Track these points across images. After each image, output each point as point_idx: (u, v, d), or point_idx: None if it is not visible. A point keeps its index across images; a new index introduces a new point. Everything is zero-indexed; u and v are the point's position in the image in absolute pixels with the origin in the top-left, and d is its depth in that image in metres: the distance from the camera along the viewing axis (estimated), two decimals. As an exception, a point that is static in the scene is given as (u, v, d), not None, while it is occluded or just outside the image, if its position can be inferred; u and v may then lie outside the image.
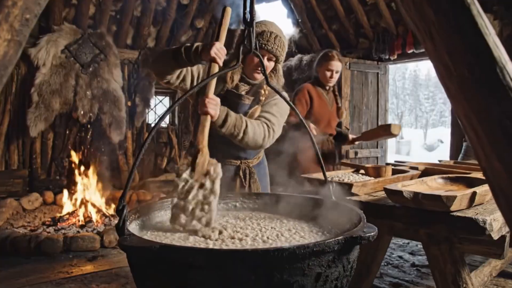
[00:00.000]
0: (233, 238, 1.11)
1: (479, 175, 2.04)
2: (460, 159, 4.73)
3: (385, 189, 1.60)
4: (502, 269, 2.78)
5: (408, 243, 3.86)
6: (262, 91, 1.94)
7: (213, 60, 1.47)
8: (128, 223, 1.19)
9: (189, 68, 1.80)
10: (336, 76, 3.06)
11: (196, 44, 1.60)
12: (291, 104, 1.44)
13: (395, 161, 2.77)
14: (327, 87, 3.13)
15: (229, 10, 1.53)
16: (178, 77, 1.78)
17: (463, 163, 2.88)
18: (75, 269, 3.10)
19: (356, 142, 3.30)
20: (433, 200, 1.45)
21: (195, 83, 1.87)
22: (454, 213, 1.47)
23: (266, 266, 0.90)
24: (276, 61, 1.90)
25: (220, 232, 1.15)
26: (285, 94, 1.98)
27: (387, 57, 5.55)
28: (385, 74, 6.03)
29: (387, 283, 2.88)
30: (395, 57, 5.53)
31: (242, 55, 1.26)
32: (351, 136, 3.23)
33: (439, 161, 3.22)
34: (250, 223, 1.29)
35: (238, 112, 1.90)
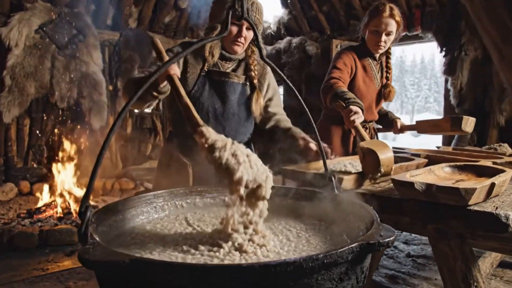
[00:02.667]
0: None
1: (488, 163, 1.89)
2: (453, 144, 4.63)
3: (393, 180, 1.43)
4: (501, 259, 2.68)
5: (402, 232, 3.74)
6: (252, 73, 1.75)
7: (170, 76, 1.25)
8: (95, 225, 1.00)
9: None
10: (386, 40, 2.27)
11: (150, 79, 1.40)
12: (288, 81, 1.25)
13: (393, 148, 2.60)
14: (377, 56, 2.38)
15: (157, 41, 1.31)
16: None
17: (463, 149, 2.74)
18: (51, 265, 2.89)
19: (406, 132, 2.54)
20: (449, 193, 1.28)
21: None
22: (471, 207, 1.31)
23: (266, 285, 0.72)
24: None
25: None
26: (269, 70, 1.83)
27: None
28: (377, 57, 5.86)
29: (383, 276, 2.75)
30: (387, 39, 5.35)
31: (231, 21, 1.03)
32: (400, 123, 2.49)
33: (437, 147, 3.09)
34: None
35: (227, 93, 1.71)
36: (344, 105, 1.94)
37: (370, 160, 1.57)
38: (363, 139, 1.84)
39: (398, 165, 1.76)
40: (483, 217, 1.28)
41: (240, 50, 1.71)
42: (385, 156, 1.56)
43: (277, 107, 1.83)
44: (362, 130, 1.89)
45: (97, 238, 0.87)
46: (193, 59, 1.69)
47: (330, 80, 2.16)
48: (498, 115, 4.30)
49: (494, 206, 1.33)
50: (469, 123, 2.24)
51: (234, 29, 1.65)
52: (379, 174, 1.55)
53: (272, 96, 1.85)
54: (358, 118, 1.88)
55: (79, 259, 0.76)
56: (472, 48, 4.49)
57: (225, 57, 1.73)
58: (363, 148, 1.62)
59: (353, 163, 1.84)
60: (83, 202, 0.87)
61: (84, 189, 3.64)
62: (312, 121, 1.30)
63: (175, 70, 1.29)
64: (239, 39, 1.66)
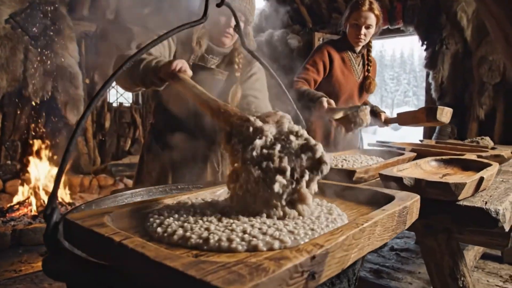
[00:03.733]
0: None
1: (473, 156, 1.88)
2: (434, 138, 4.67)
3: (381, 175, 1.39)
4: (484, 251, 2.70)
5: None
6: (236, 66, 1.68)
7: (178, 72, 1.16)
8: (66, 229, 0.92)
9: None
10: (366, 33, 2.31)
11: (154, 62, 1.27)
12: (272, 71, 1.19)
13: (377, 141, 2.58)
14: (357, 49, 2.43)
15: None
16: None
17: (447, 142, 2.75)
18: (25, 266, 2.76)
19: (390, 125, 2.56)
20: (439, 188, 1.25)
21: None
22: (461, 202, 1.28)
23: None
24: (245, 23, 1.63)
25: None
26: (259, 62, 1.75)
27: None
28: (359, 51, 5.86)
29: (368, 270, 2.74)
30: (370, 33, 5.35)
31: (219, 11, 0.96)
32: (384, 116, 2.50)
33: (420, 140, 3.09)
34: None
35: (212, 91, 1.64)
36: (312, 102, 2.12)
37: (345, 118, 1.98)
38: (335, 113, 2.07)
39: (393, 160, 1.74)
40: (473, 212, 1.25)
41: (228, 42, 1.64)
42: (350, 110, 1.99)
43: (252, 90, 1.68)
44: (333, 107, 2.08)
45: (66, 244, 0.79)
46: (181, 50, 1.61)
47: (293, 82, 2.30)
48: (478, 109, 4.35)
49: (483, 200, 1.31)
50: (444, 113, 2.26)
51: (222, 19, 1.57)
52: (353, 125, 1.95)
53: (250, 85, 1.69)
54: (325, 103, 2.05)
55: (43, 269, 0.68)
56: (453, 42, 4.51)
57: (213, 50, 1.66)
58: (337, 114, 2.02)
59: (347, 158, 1.82)
60: (49, 203, 0.78)
61: (64, 187, 3.42)
62: (299, 113, 1.25)
63: (184, 65, 1.18)
64: (227, 30, 1.58)
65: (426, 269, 1.65)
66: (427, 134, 4.98)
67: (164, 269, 0.53)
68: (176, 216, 0.77)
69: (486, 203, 1.27)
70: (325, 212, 0.82)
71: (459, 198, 1.26)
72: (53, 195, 0.79)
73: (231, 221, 0.74)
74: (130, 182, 4.99)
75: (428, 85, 4.90)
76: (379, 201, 1.00)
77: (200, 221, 0.74)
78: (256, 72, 1.70)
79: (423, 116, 2.28)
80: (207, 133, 1.64)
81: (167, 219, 0.75)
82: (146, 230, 0.74)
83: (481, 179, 1.35)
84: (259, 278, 0.50)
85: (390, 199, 0.96)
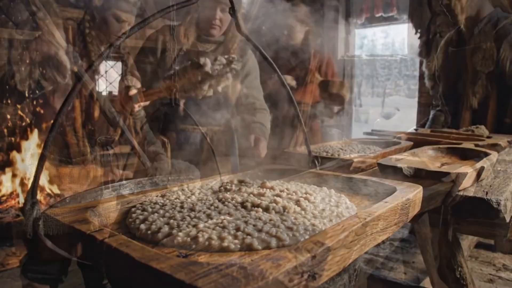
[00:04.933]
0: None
1: (470, 145, 1.85)
2: (427, 126, 4.65)
3: (379, 165, 1.35)
4: (478, 241, 2.70)
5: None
6: (231, 58, 1.71)
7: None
8: (49, 225, 0.86)
9: None
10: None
11: None
12: (265, 53, 1.14)
13: (372, 130, 2.55)
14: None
15: None
16: None
17: (442, 131, 2.73)
18: (13, 259, 2.68)
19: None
20: (439, 178, 1.21)
21: None
22: (461, 193, 1.25)
23: None
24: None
25: None
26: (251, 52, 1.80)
27: (354, 20, 5.30)
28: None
29: (362, 260, 2.72)
30: (363, 20, 5.30)
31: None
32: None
33: (415, 129, 3.07)
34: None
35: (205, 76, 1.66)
36: None
37: None
38: None
39: (389, 149, 1.70)
40: (474, 202, 1.22)
41: (216, 33, 1.68)
42: None
43: (251, 97, 1.81)
44: None
45: (48, 243, 0.74)
46: (172, 40, 1.67)
47: None
48: (471, 98, 4.33)
49: (483, 191, 1.28)
50: (335, 87, 2.47)
51: (207, 12, 1.64)
52: None
53: (249, 84, 1.81)
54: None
55: (22, 272, 0.63)
56: (447, 30, 4.47)
57: (204, 39, 1.70)
58: None
59: (344, 148, 1.79)
60: (28, 197, 0.72)
61: (48, 176, 3.29)
62: (294, 100, 1.20)
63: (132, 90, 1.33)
64: (213, 22, 1.65)
65: (420, 259, 1.63)
66: (421, 124, 4.97)
67: (150, 272, 0.48)
68: (161, 211, 0.71)
69: (486, 193, 1.24)
70: (332, 204, 0.77)
71: (460, 188, 1.23)
72: (33, 189, 0.73)
73: (222, 217, 0.69)
74: (119, 172, 4.91)
75: (421, 74, 4.86)
76: (380, 192, 0.96)
77: (188, 218, 0.68)
78: (252, 70, 1.79)
79: (320, 91, 2.50)
80: (209, 120, 1.70)
81: (152, 215, 0.69)
82: (128, 227, 0.69)
83: (482, 169, 1.31)
84: (255, 282, 0.45)
85: (391, 190, 0.92)
